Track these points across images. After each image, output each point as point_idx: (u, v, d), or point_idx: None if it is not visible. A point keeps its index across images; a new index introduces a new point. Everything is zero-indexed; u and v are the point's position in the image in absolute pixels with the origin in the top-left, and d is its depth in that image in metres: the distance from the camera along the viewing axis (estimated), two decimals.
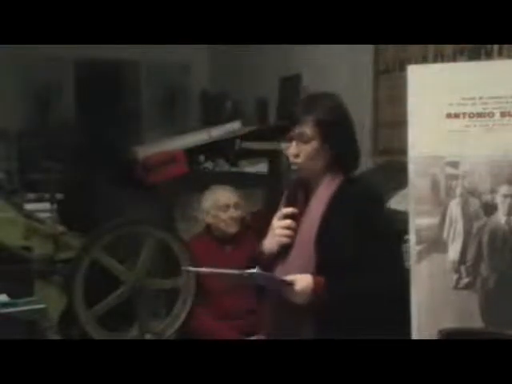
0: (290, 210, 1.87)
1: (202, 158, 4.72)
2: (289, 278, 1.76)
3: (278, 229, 1.86)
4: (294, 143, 1.88)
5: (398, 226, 2.90)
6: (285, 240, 1.85)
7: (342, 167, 1.92)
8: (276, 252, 1.86)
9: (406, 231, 2.58)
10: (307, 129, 1.87)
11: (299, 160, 1.88)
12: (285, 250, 1.85)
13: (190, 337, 3.47)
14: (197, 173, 4.60)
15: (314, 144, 1.87)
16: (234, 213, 3.62)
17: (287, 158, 1.92)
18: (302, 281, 1.75)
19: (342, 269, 1.77)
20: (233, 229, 3.61)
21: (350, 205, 1.84)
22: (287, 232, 1.85)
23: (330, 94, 2.02)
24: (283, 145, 1.93)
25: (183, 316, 3.63)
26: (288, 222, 1.86)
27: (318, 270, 1.79)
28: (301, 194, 1.90)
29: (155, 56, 5.63)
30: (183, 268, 2.03)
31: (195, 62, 6.13)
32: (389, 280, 1.79)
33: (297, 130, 1.87)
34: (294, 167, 1.89)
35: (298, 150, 1.88)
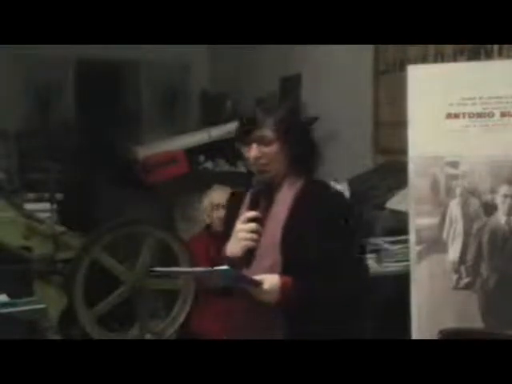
0: (253, 213, 1.85)
1: (202, 158, 4.72)
2: (257, 277, 1.76)
3: (242, 232, 1.84)
4: (254, 146, 1.86)
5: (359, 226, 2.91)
6: (249, 244, 1.83)
7: (304, 169, 1.90)
8: (240, 256, 1.84)
9: (406, 231, 2.58)
10: (268, 131, 1.85)
11: (262, 162, 1.86)
12: (249, 253, 1.84)
13: (190, 337, 3.47)
14: (197, 173, 4.60)
15: (275, 146, 1.85)
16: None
17: (248, 162, 1.89)
18: (270, 280, 1.76)
19: (307, 269, 1.77)
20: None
21: (313, 206, 1.83)
22: (251, 235, 1.83)
23: (289, 97, 2.03)
24: (243, 148, 1.90)
25: (183, 316, 3.63)
26: (252, 225, 1.84)
27: (284, 271, 1.79)
28: (263, 196, 1.89)
29: (155, 56, 5.62)
30: (154, 269, 1.99)
31: (195, 62, 6.12)
32: (351, 280, 1.80)
33: (257, 133, 1.86)
34: (255, 170, 1.87)
35: (260, 153, 1.86)
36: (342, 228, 1.84)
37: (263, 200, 1.89)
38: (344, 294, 1.80)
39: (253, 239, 1.83)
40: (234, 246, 1.85)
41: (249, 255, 1.84)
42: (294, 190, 1.88)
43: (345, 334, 1.76)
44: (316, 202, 1.85)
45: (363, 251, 1.94)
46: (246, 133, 1.88)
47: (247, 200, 1.91)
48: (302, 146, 1.90)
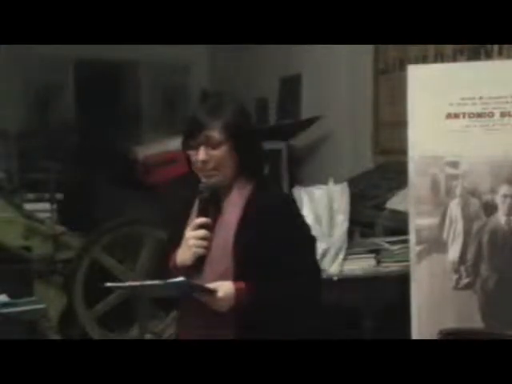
0: (203, 219, 1.80)
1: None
2: (210, 285, 1.74)
3: (192, 239, 1.79)
4: (202, 149, 1.79)
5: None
6: (199, 251, 1.79)
7: (252, 172, 1.87)
8: (190, 263, 1.80)
9: (406, 231, 2.58)
10: (215, 133, 1.78)
11: (209, 166, 1.80)
12: (199, 261, 1.80)
13: (189, 337, 3.46)
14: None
15: (224, 149, 1.79)
16: None
17: (192, 166, 1.85)
18: (224, 288, 1.73)
19: (260, 274, 1.76)
20: None
21: (263, 212, 1.79)
22: (201, 242, 1.79)
23: (233, 98, 1.98)
24: (191, 152, 1.83)
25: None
26: (202, 232, 1.79)
27: (237, 277, 1.77)
28: (213, 202, 1.84)
29: (155, 56, 5.62)
30: (104, 285, 1.95)
31: (195, 63, 6.12)
32: (304, 283, 1.78)
33: (204, 135, 1.80)
34: (203, 175, 1.83)
35: (208, 156, 1.79)
36: (293, 233, 1.80)
37: (212, 206, 1.83)
38: (295, 296, 1.78)
39: (203, 246, 1.79)
40: (184, 254, 1.81)
41: (199, 263, 1.80)
42: (244, 194, 1.83)
43: (298, 335, 1.74)
44: (265, 208, 1.80)
45: (313, 254, 1.90)
46: (193, 135, 1.82)
47: (196, 206, 1.87)
48: (249, 150, 1.85)
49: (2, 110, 5.31)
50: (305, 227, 1.88)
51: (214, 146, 1.80)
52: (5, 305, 2.89)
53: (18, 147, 4.71)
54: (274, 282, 1.76)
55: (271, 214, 1.79)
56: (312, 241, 1.89)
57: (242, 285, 1.74)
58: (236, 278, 1.76)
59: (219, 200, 1.84)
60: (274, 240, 1.77)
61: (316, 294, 1.84)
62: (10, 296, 2.97)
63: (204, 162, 1.81)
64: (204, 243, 1.79)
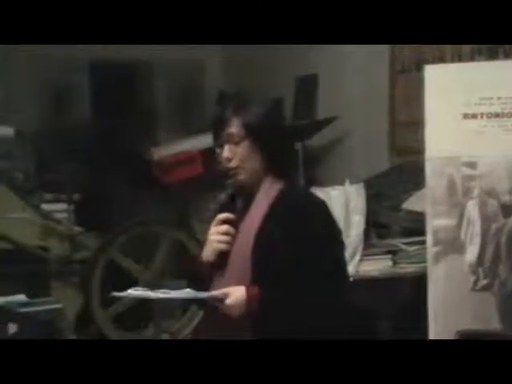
0: (226, 215, 1.80)
1: (219, 160, 4.70)
2: (221, 291, 1.71)
3: (215, 235, 1.78)
4: (225, 146, 1.81)
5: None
6: (222, 246, 1.77)
7: (280, 173, 1.84)
8: (213, 260, 1.79)
9: (422, 232, 2.56)
10: (235, 130, 1.79)
11: (233, 163, 1.80)
12: (222, 258, 1.79)
13: (205, 337, 3.46)
14: (212, 173, 4.59)
15: (246, 145, 1.79)
16: None
17: (220, 163, 1.84)
18: (235, 294, 1.70)
19: (280, 280, 1.73)
20: None
21: (291, 213, 1.77)
22: (223, 238, 1.77)
23: (263, 99, 1.97)
24: (217, 150, 1.84)
25: (198, 316, 3.63)
26: (225, 227, 1.78)
27: (255, 281, 1.74)
28: (239, 199, 1.84)
29: (170, 56, 5.63)
30: (113, 294, 1.94)
31: (210, 63, 6.12)
32: (329, 291, 1.75)
33: (227, 133, 1.80)
34: (228, 172, 1.82)
35: (231, 153, 1.80)
36: (321, 240, 1.77)
37: (239, 203, 1.83)
38: (320, 299, 1.74)
39: (225, 241, 1.78)
40: (208, 250, 1.81)
41: (222, 259, 1.79)
42: (271, 195, 1.82)
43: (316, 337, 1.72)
44: (294, 211, 1.78)
45: (342, 263, 1.86)
46: (218, 134, 1.84)
47: (221, 203, 1.86)
48: (277, 149, 1.84)
49: (18, 112, 5.35)
50: (334, 231, 1.85)
51: (236, 142, 1.81)
52: (22, 305, 2.91)
53: (35, 148, 4.74)
54: (294, 286, 1.74)
55: (299, 215, 1.78)
56: (341, 245, 1.86)
57: (255, 291, 1.72)
58: (253, 280, 1.75)
59: (246, 198, 1.84)
60: (300, 242, 1.75)
61: (341, 299, 1.81)
62: (27, 296, 2.99)
63: (228, 159, 1.81)
64: (226, 238, 1.79)
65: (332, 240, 1.83)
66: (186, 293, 1.66)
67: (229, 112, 1.84)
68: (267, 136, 1.82)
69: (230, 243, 1.79)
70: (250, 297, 1.71)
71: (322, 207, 1.85)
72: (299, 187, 1.88)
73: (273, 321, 1.72)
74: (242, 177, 1.82)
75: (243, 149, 1.81)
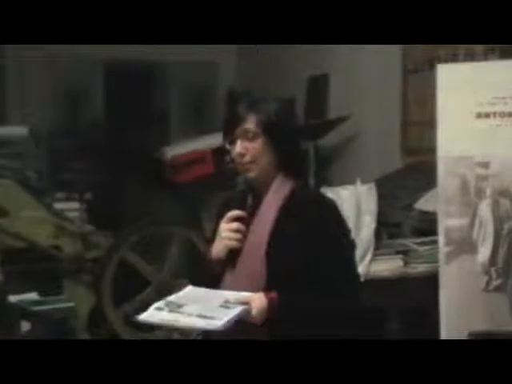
0: (237, 212, 1.79)
1: (228, 157, 4.71)
2: (240, 298, 1.68)
3: (225, 232, 1.77)
4: (238, 142, 1.80)
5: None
6: (233, 244, 1.76)
7: (292, 172, 1.83)
8: (224, 258, 1.78)
9: (434, 232, 2.56)
10: (251, 125, 1.78)
11: (246, 159, 1.78)
12: (233, 255, 1.78)
13: (216, 337, 3.46)
14: (224, 172, 4.60)
15: (260, 142, 1.78)
16: None
17: (232, 160, 1.84)
18: (257, 303, 1.68)
19: (293, 279, 1.73)
20: None
21: (302, 213, 1.76)
22: (234, 235, 1.76)
23: (278, 97, 1.97)
24: (228, 147, 1.83)
25: None
26: (235, 224, 1.77)
27: (269, 281, 1.74)
28: (250, 196, 1.82)
29: (183, 56, 5.65)
30: (140, 320, 1.87)
31: (223, 62, 6.13)
32: (341, 291, 1.74)
33: (241, 128, 1.79)
34: (240, 168, 1.82)
35: (244, 149, 1.78)
36: (332, 240, 1.76)
37: (250, 200, 1.82)
38: (330, 308, 1.74)
39: (236, 239, 1.78)
40: (217, 246, 1.81)
41: (232, 257, 1.78)
42: (283, 193, 1.81)
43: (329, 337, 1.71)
44: (305, 211, 1.77)
45: (353, 263, 1.85)
46: (231, 130, 1.83)
47: (232, 200, 1.86)
48: (290, 147, 1.84)
49: (32, 111, 5.38)
50: (344, 229, 1.84)
51: (250, 139, 1.80)
52: (35, 303, 2.93)
53: (48, 147, 4.77)
54: (306, 286, 1.73)
55: (310, 214, 1.77)
56: (351, 245, 1.86)
57: (274, 296, 1.72)
58: (267, 280, 1.75)
59: (258, 195, 1.84)
60: (312, 241, 1.75)
61: (352, 300, 1.80)
62: (39, 294, 3.01)
63: (241, 154, 1.81)
64: (237, 236, 1.78)
65: (342, 240, 1.82)
66: (211, 325, 1.64)
67: (244, 108, 1.83)
68: (281, 134, 1.82)
69: (241, 241, 1.79)
70: (270, 303, 1.70)
71: (333, 207, 1.85)
72: (310, 187, 1.87)
73: (286, 321, 1.72)
74: (254, 173, 1.82)
75: (257, 145, 1.80)
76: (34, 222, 3.61)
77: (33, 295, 2.99)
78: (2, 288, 3.07)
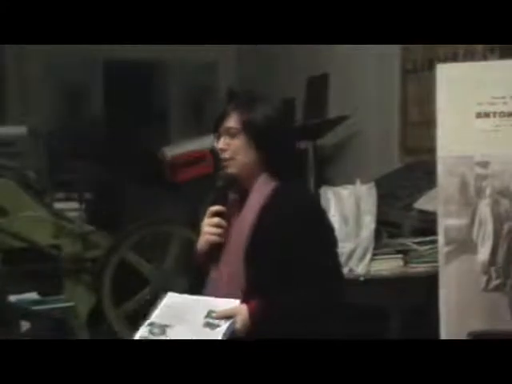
0: (217, 207, 1.81)
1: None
2: (223, 312, 1.71)
3: (206, 226, 1.81)
4: (222, 138, 1.85)
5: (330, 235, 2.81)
6: (213, 238, 1.80)
7: (277, 172, 1.85)
8: (207, 251, 1.82)
9: (434, 232, 2.56)
10: (233, 123, 1.83)
11: (226, 155, 1.83)
12: (217, 251, 1.81)
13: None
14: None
15: (241, 138, 1.82)
16: None
17: (217, 157, 1.88)
18: (239, 317, 1.71)
19: (273, 279, 1.74)
20: None
21: (282, 212, 1.78)
22: (215, 230, 1.79)
23: (264, 97, 1.98)
24: (215, 144, 1.89)
25: None
26: (216, 219, 1.80)
27: (248, 280, 1.76)
28: (232, 192, 1.86)
29: (183, 56, 5.65)
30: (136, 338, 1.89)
31: (222, 62, 6.14)
32: (321, 290, 1.75)
33: (224, 125, 1.85)
34: (222, 164, 1.85)
35: (226, 145, 1.83)
36: (311, 239, 1.77)
37: (231, 196, 1.86)
38: (313, 300, 1.75)
39: (216, 233, 1.80)
40: (201, 241, 1.84)
41: (215, 253, 1.81)
42: (265, 193, 1.82)
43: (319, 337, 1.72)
44: (284, 210, 1.78)
45: (338, 263, 1.86)
46: (217, 126, 1.88)
47: (214, 195, 1.88)
48: (276, 148, 1.85)
49: (31, 111, 5.38)
50: (326, 229, 1.85)
51: (232, 135, 1.84)
52: (34, 303, 2.93)
53: (48, 147, 4.77)
54: (286, 286, 1.74)
55: (290, 214, 1.78)
56: (333, 244, 1.86)
57: (253, 304, 1.73)
58: (246, 280, 1.76)
59: (241, 193, 1.85)
60: (292, 241, 1.75)
61: (336, 298, 1.81)
62: (39, 294, 3.01)
63: (222, 150, 1.85)
64: (218, 231, 1.81)
65: (323, 238, 1.83)
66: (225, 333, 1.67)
67: (230, 106, 1.88)
68: (264, 134, 1.83)
69: (222, 235, 1.81)
70: (251, 313, 1.72)
71: (314, 206, 1.86)
72: (294, 186, 1.87)
73: (269, 324, 1.73)
74: (233, 169, 1.85)
75: (237, 142, 1.84)
76: (34, 222, 3.61)
77: (32, 295, 2.98)
78: (2, 288, 3.07)
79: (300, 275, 1.75)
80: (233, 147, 1.84)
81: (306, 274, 1.75)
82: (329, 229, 1.86)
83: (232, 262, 1.79)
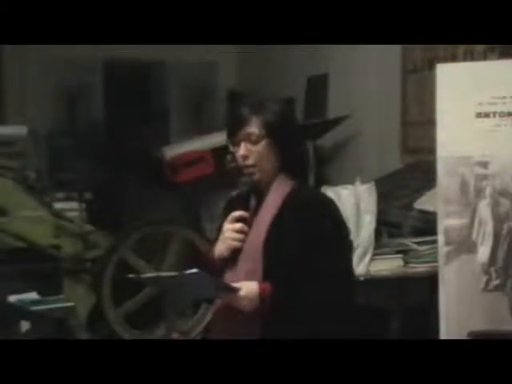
0: (240, 213, 1.81)
1: (229, 157, 4.71)
2: (234, 284, 1.73)
3: (229, 232, 1.81)
4: (242, 144, 1.82)
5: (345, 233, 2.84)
6: (235, 244, 1.80)
7: (293, 172, 1.86)
8: (226, 257, 1.81)
9: (434, 232, 2.56)
10: (255, 129, 1.82)
11: (249, 162, 1.82)
12: (235, 254, 1.80)
13: (216, 336, 3.46)
14: (224, 172, 4.59)
15: (263, 144, 1.82)
16: None
17: (235, 161, 1.86)
18: (248, 287, 1.73)
19: (290, 277, 1.75)
20: None
21: (301, 211, 1.80)
22: (237, 235, 1.80)
23: (279, 99, 1.99)
24: (231, 148, 1.87)
25: (210, 315, 3.63)
26: (239, 225, 1.81)
27: (265, 276, 1.77)
28: (253, 197, 1.86)
29: (182, 56, 5.65)
30: (128, 276, 1.94)
31: (222, 62, 6.13)
32: (335, 290, 1.76)
33: (245, 132, 1.83)
34: (243, 170, 1.84)
35: (248, 152, 1.82)
36: (329, 239, 1.79)
37: (253, 201, 1.86)
38: (324, 299, 1.75)
39: (239, 239, 1.81)
40: (221, 246, 1.83)
41: (233, 256, 1.81)
42: (283, 193, 1.84)
43: (325, 336, 1.72)
44: (303, 210, 1.80)
45: (349, 261, 1.87)
46: (235, 132, 1.86)
47: (236, 201, 1.88)
48: (292, 148, 1.86)
49: (31, 111, 5.38)
50: (343, 230, 1.86)
51: (254, 141, 1.83)
52: (34, 302, 2.93)
53: (48, 147, 4.77)
54: (302, 283, 1.75)
55: (309, 213, 1.79)
56: (349, 244, 1.87)
57: (267, 286, 1.74)
58: (264, 277, 1.77)
59: (260, 196, 1.86)
60: (310, 240, 1.76)
61: (346, 298, 1.82)
62: (39, 294, 3.01)
63: (244, 157, 1.84)
64: (240, 236, 1.81)
65: (340, 239, 1.84)
66: (196, 272, 1.67)
67: (246, 110, 1.85)
68: (284, 135, 1.84)
69: (243, 241, 1.81)
70: (262, 292, 1.72)
71: (332, 206, 1.87)
72: (310, 186, 1.89)
73: (282, 319, 1.73)
74: (257, 176, 1.85)
75: (260, 148, 1.83)
76: (34, 222, 3.61)
77: (32, 295, 2.98)
78: (2, 288, 3.07)
79: (316, 273, 1.76)
80: (256, 154, 1.83)
81: (322, 271, 1.76)
82: (345, 228, 1.87)
83: (250, 261, 1.80)
